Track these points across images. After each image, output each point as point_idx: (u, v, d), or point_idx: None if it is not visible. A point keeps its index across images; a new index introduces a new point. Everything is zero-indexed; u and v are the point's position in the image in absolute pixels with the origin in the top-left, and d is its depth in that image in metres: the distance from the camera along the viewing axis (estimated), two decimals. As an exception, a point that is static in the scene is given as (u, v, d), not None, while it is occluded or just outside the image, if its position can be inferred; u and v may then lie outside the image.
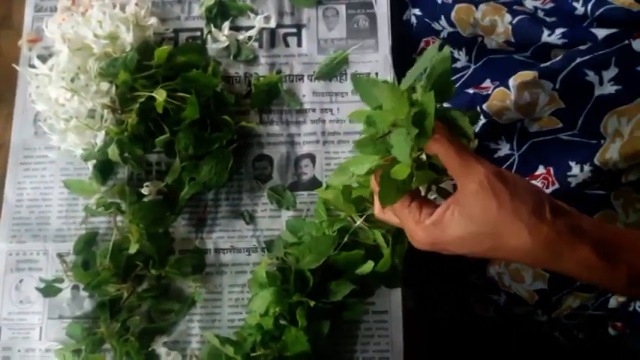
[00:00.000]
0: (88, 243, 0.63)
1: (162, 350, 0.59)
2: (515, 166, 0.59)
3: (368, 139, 0.44)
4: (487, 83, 0.62)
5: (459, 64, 0.66)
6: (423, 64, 0.43)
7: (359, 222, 0.57)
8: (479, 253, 0.43)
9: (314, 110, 0.66)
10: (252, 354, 0.55)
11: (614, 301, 0.61)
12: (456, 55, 0.66)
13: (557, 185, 0.56)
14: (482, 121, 0.59)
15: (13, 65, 0.68)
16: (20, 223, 0.65)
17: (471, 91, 0.62)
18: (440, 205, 0.43)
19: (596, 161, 0.54)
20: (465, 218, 0.41)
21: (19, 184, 0.66)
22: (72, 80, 0.63)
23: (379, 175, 0.43)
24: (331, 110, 0.66)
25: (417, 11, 0.68)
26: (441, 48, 0.43)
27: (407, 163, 0.41)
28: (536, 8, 0.59)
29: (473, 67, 0.65)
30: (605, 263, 0.41)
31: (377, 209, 0.49)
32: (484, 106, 0.58)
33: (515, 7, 0.61)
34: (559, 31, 0.56)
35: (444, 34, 0.66)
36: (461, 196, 0.42)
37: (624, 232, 0.43)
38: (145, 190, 0.62)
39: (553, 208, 0.41)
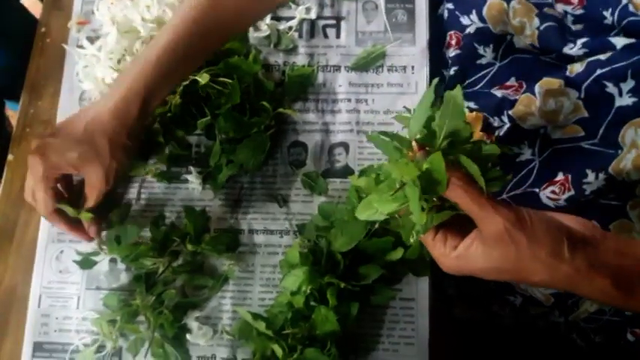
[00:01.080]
0: (122, 216, 0.65)
1: (194, 324, 0.61)
2: (535, 171, 0.60)
3: (386, 188, 0.46)
4: (512, 82, 0.63)
5: (483, 61, 0.67)
6: (424, 111, 0.43)
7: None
8: (502, 280, 0.46)
9: (349, 100, 0.68)
10: (283, 331, 0.57)
11: (632, 309, 0.62)
12: (481, 51, 0.67)
13: (572, 192, 0.57)
14: (507, 125, 0.60)
15: (63, 45, 0.71)
16: (63, 196, 0.67)
17: (498, 93, 0.62)
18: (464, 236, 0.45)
19: (610, 170, 0.55)
20: (486, 255, 0.43)
21: (63, 159, 0.68)
22: (119, 61, 0.66)
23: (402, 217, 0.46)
24: (366, 101, 0.68)
25: (450, 5, 0.69)
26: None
27: (419, 216, 0.43)
28: (566, 12, 0.60)
29: (498, 64, 0.66)
30: (622, 293, 0.42)
31: None
32: (510, 112, 0.59)
33: (545, 9, 0.62)
34: (580, 42, 0.57)
35: (470, 29, 0.67)
36: (482, 236, 0.43)
37: None
38: (190, 177, 0.64)
39: (572, 243, 0.42)
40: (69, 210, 0.59)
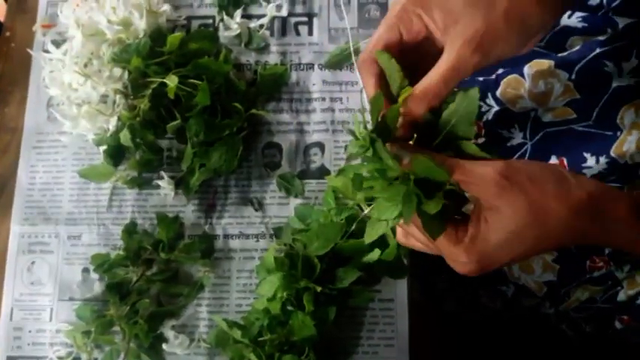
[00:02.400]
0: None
1: (170, 333, 0.60)
2: (527, 155, 0.59)
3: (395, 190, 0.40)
4: (499, 72, 0.62)
5: None
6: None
7: (367, 211, 0.57)
8: (528, 252, 0.40)
9: (324, 99, 0.66)
10: (259, 338, 0.56)
11: (623, 295, 0.61)
12: None
13: None
14: (496, 108, 0.59)
15: (28, 50, 0.69)
16: (32, 206, 0.66)
17: (480, 78, 0.61)
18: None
19: (612, 153, 0.54)
20: (500, 220, 0.39)
21: (31, 167, 0.67)
22: (85, 65, 0.64)
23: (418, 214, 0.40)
24: (341, 99, 0.66)
25: None
26: None
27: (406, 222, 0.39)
28: None
29: None
30: None
31: (399, 234, 0.47)
32: (497, 94, 0.58)
33: None
34: (579, 14, 0.55)
35: None
36: (485, 202, 0.40)
37: None
38: (162, 183, 0.63)
39: (570, 172, 0.40)
40: (384, 60, 0.42)
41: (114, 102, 0.64)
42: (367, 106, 0.42)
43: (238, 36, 0.68)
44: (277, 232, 0.63)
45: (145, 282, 0.61)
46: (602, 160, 0.54)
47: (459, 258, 0.41)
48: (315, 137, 0.65)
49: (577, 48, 0.55)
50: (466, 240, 0.40)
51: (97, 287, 0.63)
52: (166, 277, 0.61)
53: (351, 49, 0.66)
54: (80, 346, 0.60)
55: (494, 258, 0.40)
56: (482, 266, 0.40)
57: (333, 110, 0.66)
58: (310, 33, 0.68)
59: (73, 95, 0.65)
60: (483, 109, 0.61)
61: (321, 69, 0.67)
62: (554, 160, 0.57)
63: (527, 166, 0.40)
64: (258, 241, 0.63)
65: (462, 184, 0.39)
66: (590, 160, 0.55)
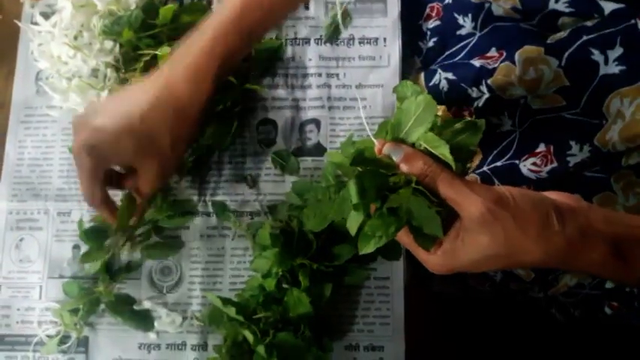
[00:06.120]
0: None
1: (162, 311, 0.59)
2: (515, 143, 0.59)
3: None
4: (493, 52, 0.61)
5: (463, 32, 0.65)
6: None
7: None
8: (497, 269, 0.44)
9: (320, 75, 0.65)
10: (254, 316, 0.55)
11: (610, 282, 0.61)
12: (460, 21, 0.65)
13: (555, 164, 0.55)
14: (486, 95, 0.58)
15: (16, 22, 0.67)
16: (21, 182, 0.64)
17: (477, 63, 0.60)
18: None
19: (595, 141, 0.54)
20: (474, 245, 0.41)
21: (20, 142, 0.65)
22: (75, 38, 0.63)
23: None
24: (337, 75, 0.65)
25: None
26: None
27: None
28: None
29: (478, 34, 0.64)
30: (621, 262, 0.40)
31: None
32: (489, 81, 0.57)
33: None
34: None
35: None
36: (466, 224, 0.41)
37: (634, 222, 0.43)
38: None
39: (559, 214, 0.40)
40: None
41: (105, 75, 0.62)
42: None
43: (233, 9, 0.66)
44: (272, 210, 0.62)
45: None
46: (586, 148, 0.54)
47: (428, 264, 0.44)
48: (310, 114, 0.64)
49: (565, 34, 0.55)
50: (438, 253, 0.42)
51: (88, 264, 0.61)
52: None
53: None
54: (68, 325, 0.58)
55: (462, 269, 0.43)
56: (450, 271, 0.43)
57: (330, 86, 0.65)
58: (307, 7, 0.67)
59: (62, 68, 0.63)
60: (475, 95, 0.60)
61: (317, 44, 0.66)
62: (542, 147, 0.57)
63: (517, 201, 0.40)
64: (252, 218, 0.62)
65: (449, 200, 0.41)
66: (575, 148, 0.55)
